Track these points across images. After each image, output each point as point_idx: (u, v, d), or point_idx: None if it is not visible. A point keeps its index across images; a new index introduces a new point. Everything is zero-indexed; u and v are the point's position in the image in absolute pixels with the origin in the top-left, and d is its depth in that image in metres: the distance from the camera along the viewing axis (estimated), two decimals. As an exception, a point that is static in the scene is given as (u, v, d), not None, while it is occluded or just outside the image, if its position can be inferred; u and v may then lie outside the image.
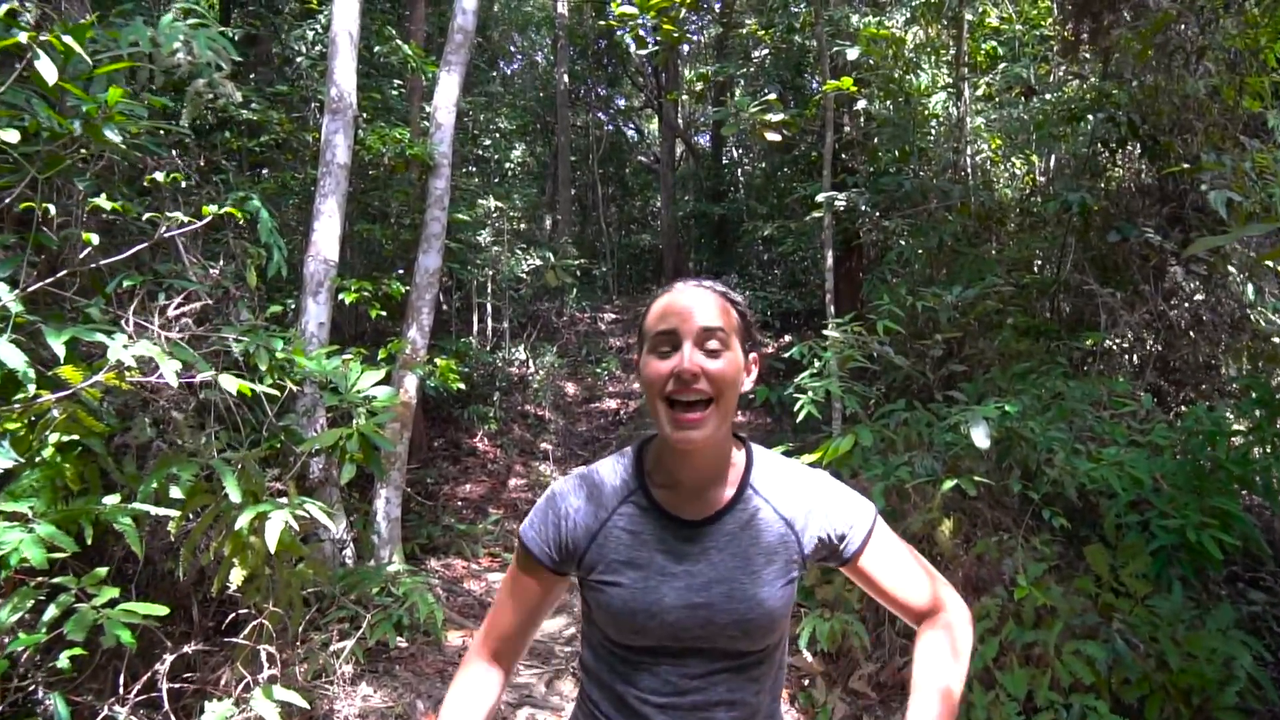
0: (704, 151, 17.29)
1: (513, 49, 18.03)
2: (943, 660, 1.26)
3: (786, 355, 5.86)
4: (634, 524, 1.30)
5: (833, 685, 4.06)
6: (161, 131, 3.29)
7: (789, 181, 11.08)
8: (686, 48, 17.69)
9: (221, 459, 3.02)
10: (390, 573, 4.69)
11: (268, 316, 4.15)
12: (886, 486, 4.02)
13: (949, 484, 3.73)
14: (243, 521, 2.89)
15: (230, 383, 2.52)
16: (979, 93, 7.72)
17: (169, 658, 2.72)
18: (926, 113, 8.01)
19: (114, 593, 2.14)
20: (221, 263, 4.05)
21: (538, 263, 10.80)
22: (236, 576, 3.05)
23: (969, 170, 7.21)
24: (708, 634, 1.25)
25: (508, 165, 11.52)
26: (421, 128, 6.34)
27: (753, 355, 1.31)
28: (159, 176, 2.70)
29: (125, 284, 2.67)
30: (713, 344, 1.22)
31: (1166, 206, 4.92)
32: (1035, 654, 3.23)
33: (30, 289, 2.26)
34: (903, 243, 7.19)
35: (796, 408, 4.68)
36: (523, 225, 11.27)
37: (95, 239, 2.38)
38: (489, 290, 10.69)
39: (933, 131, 8.10)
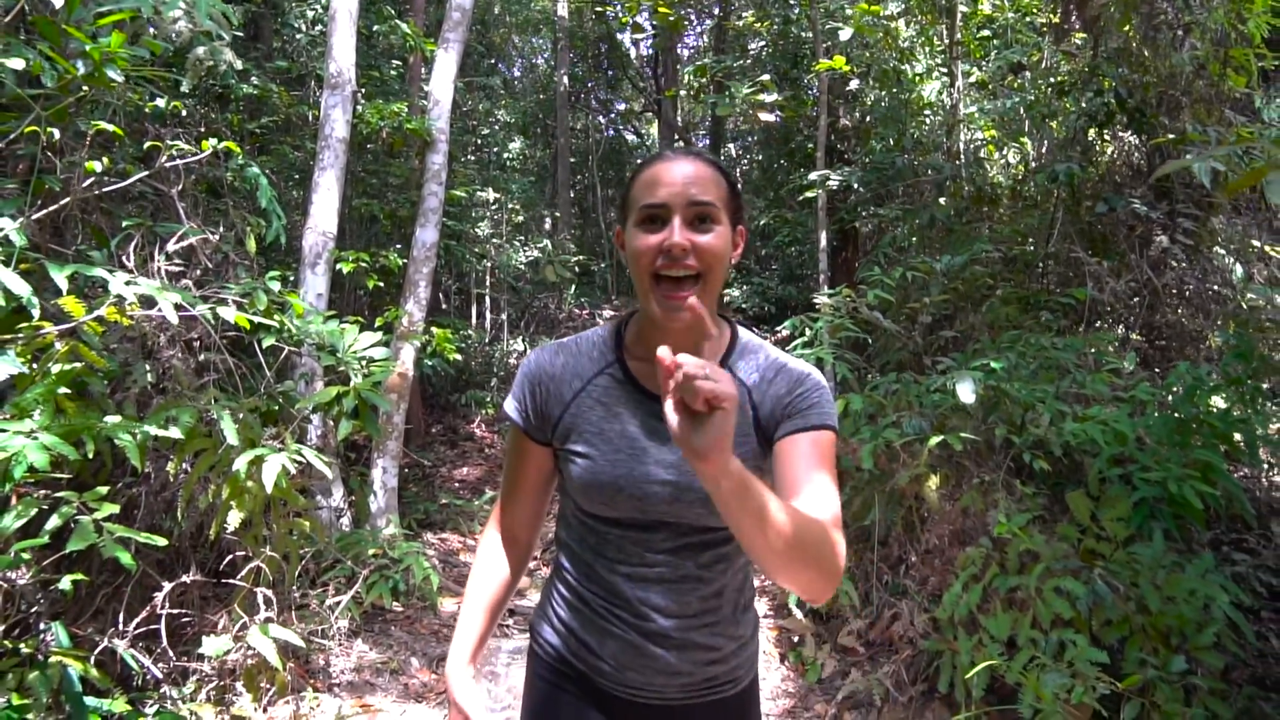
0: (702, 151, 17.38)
1: (513, 52, 18.18)
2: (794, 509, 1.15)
3: (779, 329, 5.94)
4: (608, 396, 1.30)
5: (822, 643, 4.12)
6: (164, 84, 3.37)
7: (785, 174, 11.17)
8: (686, 52, 17.84)
9: (219, 405, 3.09)
10: (387, 535, 4.75)
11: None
12: (874, 448, 4.08)
13: (935, 439, 3.79)
14: (240, 463, 2.95)
15: (229, 312, 2.59)
16: (972, 80, 7.81)
17: (168, 585, 2.78)
18: (921, 102, 8.10)
19: (114, 508, 2.20)
20: (221, 229, 4.13)
21: (536, 254, 10.88)
22: (234, 519, 3.12)
23: (962, 155, 7.30)
24: (675, 510, 1.25)
25: (506, 156, 11.62)
26: (420, 108, 6.43)
27: (739, 227, 1.27)
28: (160, 103, 2.77)
29: (125, 224, 2.74)
30: (703, 218, 1.18)
31: (1153, 179, 4.98)
32: (1018, 598, 3.28)
33: (35, 216, 2.33)
34: (898, 233, 7.26)
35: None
36: (520, 218, 11.35)
37: (99, 166, 2.45)
38: (487, 282, 10.76)
39: (927, 121, 8.19)
